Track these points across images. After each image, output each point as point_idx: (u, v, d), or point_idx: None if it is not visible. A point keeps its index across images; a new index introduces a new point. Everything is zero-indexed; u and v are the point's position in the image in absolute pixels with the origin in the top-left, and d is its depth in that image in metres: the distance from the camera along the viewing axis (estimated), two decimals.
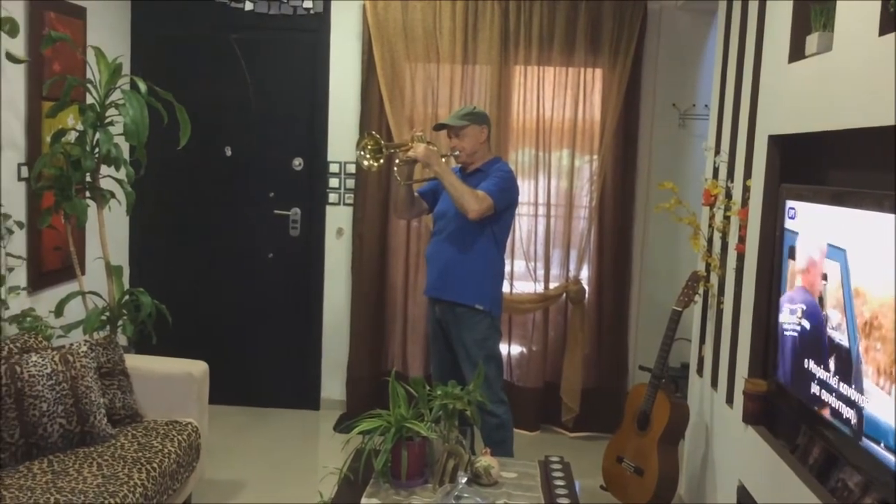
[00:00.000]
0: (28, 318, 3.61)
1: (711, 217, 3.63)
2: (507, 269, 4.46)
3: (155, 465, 3.07)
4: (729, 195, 3.39)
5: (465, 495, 2.62)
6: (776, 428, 2.85)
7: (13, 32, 3.48)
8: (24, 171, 3.80)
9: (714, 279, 3.57)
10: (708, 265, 3.63)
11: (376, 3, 4.71)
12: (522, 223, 4.82)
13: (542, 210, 4.84)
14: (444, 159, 3.67)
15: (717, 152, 3.61)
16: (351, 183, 4.95)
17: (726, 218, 3.40)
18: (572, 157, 4.79)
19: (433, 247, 3.83)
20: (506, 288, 4.18)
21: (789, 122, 2.69)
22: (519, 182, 3.95)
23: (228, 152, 5.02)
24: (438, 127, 3.88)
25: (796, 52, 2.67)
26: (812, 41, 2.51)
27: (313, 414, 5.08)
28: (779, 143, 2.85)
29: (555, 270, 4.88)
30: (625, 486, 3.70)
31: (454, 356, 3.77)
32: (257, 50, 4.94)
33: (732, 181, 3.36)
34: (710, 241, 3.66)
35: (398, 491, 2.81)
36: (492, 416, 3.65)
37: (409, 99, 4.79)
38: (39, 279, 3.94)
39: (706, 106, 4.51)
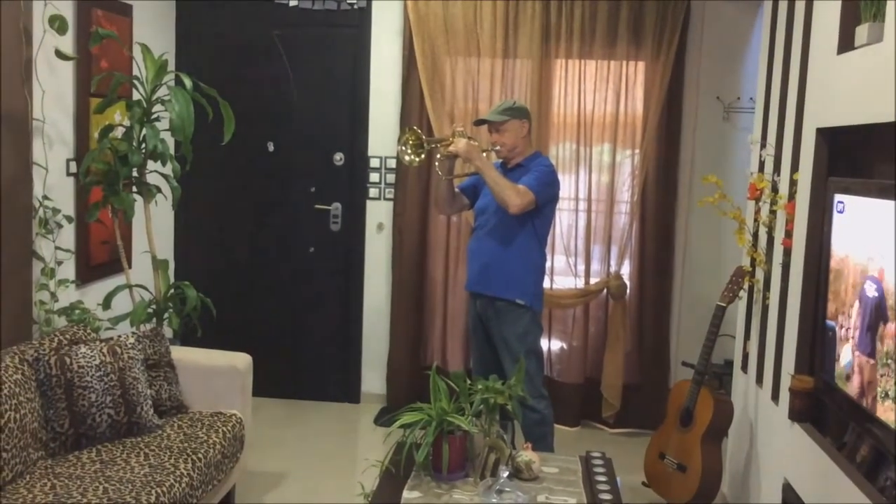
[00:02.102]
0: (77, 311, 3.69)
1: (757, 211, 3.58)
2: (548, 264, 4.43)
3: (200, 455, 3.11)
4: (775, 189, 3.34)
5: (507, 489, 2.61)
6: (823, 425, 2.80)
7: (62, 30, 3.55)
8: (73, 167, 3.88)
9: (759, 274, 3.52)
10: (753, 260, 3.58)
11: None
12: (563, 218, 4.79)
13: (582, 205, 4.81)
14: (484, 154, 3.67)
15: (764, 146, 3.55)
16: (391, 178, 4.96)
17: (772, 212, 3.35)
18: (613, 151, 4.75)
19: (474, 242, 3.83)
20: (546, 283, 4.16)
21: (838, 114, 2.64)
22: (559, 177, 3.93)
23: (271, 147, 5.07)
24: (479, 122, 3.88)
25: (845, 43, 2.62)
26: (862, 32, 2.46)
27: (354, 407, 5.12)
28: (827, 136, 2.80)
29: (595, 266, 4.85)
30: (667, 483, 3.67)
31: (495, 351, 3.77)
32: (299, 46, 4.98)
33: (779, 175, 3.31)
34: (755, 235, 3.61)
35: (439, 484, 2.81)
36: (532, 411, 3.64)
37: (449, 93, 4.80)
38: (88, 272, 4.02)
39: (751, 99, 4.44)
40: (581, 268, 4.84)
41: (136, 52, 3.97)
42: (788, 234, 3.10)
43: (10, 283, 3.41)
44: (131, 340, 3.33)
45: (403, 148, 3.62)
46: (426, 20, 4.73)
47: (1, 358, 2.95)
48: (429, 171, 4.73)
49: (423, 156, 3.64)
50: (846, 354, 2.43)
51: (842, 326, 2.45)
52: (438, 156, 3.74)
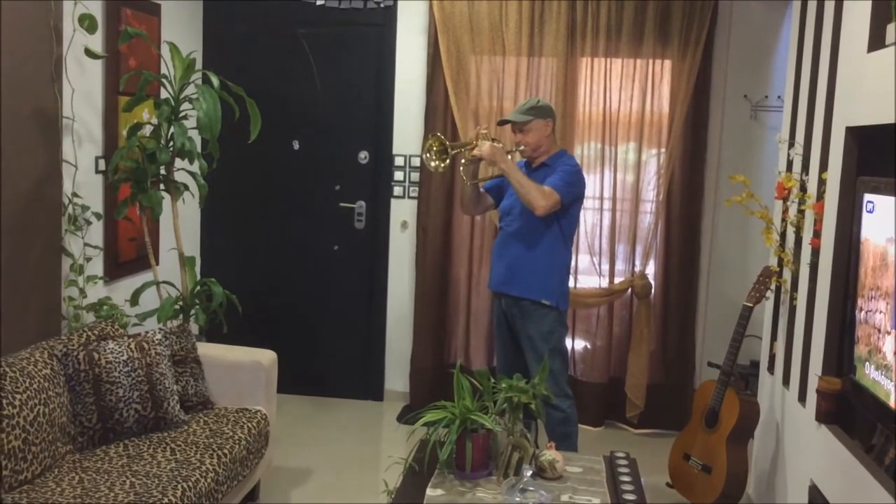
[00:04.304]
0: (105, 307, 3.74)
1: (785, 211, 3.55)
2: (572, 263, 4.41)
3: (226, 451, 3.14)
4: (803, 188, 3.30)
5: (530, 488, 2.61)
6: (851, 427, 2.77)
7: (91, 29, 3.59)
8: (102, 164, 3.92)
9: (787, 274, 3.48)
10: (780, 260, 3.55)
11: None
12: (587, 217, 4.76)
13: (607, 204, 4.78)
14: (509, 155, 3.66)
15: (792, 144, 3.52)
16: (416, 176, 4.97)
17: (800, 212, 3.31)
18: (639, 150, 4.72)
19: (499, 242, 3.82)
20: (570, 282, 4.15)
21: (868, 113, 2.60)
22: (584, 175, 3.91)
23: (296, 146, 5.09)
24: (502, 122, 3.87)
25: (876, 41, 2.59)
26: (892, 30, 2.43)
27: (377, 405, 5.13)
28: (856, 135, 2.76)
29: (620, 265, 4.83)
30: (692, 484, 3.65)
31: (519, 349, 3.76)
32: (325, 44, 5.00)
33: (807, 174, 3.28)
34: (782, 235, 3.58)
35: (463, 483, 2.82)
36: (556, 410, 3.63)
37: (474, 92, 4.79)
38: (116, 269, 4.06)
39: (779, 97, 4.40)
40: (605, 267, 4.82)
41: (165, 51, 4.01)
42: (817, 233, 3.07)
43: (39, 279, 3.46)
44: (158, 336, 3.36)
45: (428, 155, 3.62)
46: (451, 18, 4.73)
47: (31, 353, 3.00)
48: (453, 170, 4.72)
49: (447, 161, 3.64)
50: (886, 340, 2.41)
51: (875, 311, 2.43)
52: (463, 160, 3.74)
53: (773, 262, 3.66)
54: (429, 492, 2.75)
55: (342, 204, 5.09)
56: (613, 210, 4.78)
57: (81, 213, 3.71)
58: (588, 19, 4.62)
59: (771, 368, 3.71)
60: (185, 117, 3.82)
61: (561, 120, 4.54)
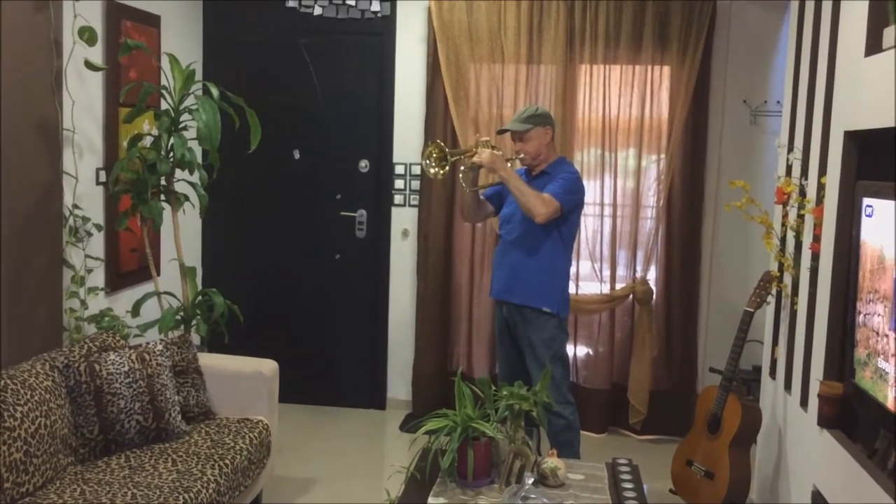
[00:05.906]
0: (106, 318, 3.73)
1: (784, 215, 3.55)
2: (573, 270, 4.41)
3: (227, 461, 3.14)
4: (803, 193, 3.31)
5: (532, 496, 2.61)
6: (853, 432, 2.76)
7: (91, 41, 3.60)
8: (102, 176, 3.93)
9: (787, 279, 3.48)
10: (781, 265, 3.54)
11: (441, 5, 4.73)
12: (588, 224, 4.77)
13: (607, 210, 4.79)
14: (508, 163, 3.67)
15: (791, 149, 3.52)
16: (416, 184, 4.98)
17: (800, 216, 3.32)
18: (639, 156, 4.72)
19: (500, 250, 3.83)
20: (571, 289, 4.16)
21: (866, 117, 2.61)
22: (584, 182, 3.91)
23: (297, 155, 5.10)
24: (502, 131, 3.88)
25: (873, 45, 2.59)
26: (889, 34, 2.43)
27: (380, 413, 5.13)
28: (855, 139, 2.77)
29: (621, 271, 4.83)
30: (695, 490, 3.64)
31: (521, 356, 3.76)
32: (325, 54, 5.01)
33: (806, 179, 3.28)
34: (783, 240, 3.58)
35: (465, 491, 2.82)
36: (558, 417, 3.63)
37: (473, 100, 4.80)
38: (117, 280, 4.07)
39: (778, 102, 4.41)
40: (607, 273, 4.81)
41: (164, 62, 4.02)
42: (817, 238, 3.07)
43: (40, 291, 3.47)
44: (159, 347, 3.36)
45: (428, 162, 3.63)
46: (450, 27, 4.74)
47: (32, 365, 3.00)
48: (453, 178, 4.73)
49: (447, 168, 3.65)
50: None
51: (873, 314, 2.43)
52: (462, 168, 3.74)
53: (774, 266, 3.66)
54: (431, 500, 2.75)
55: (343, 213, 5.09)
56: (614, 216, 4.78)
57: (82, 224, 3.72)
58: (587, 26, 4.63)
59: (773, 373, 3.70)
60: (185, 128, 3.83)
61: (560, 127, 4.54)
